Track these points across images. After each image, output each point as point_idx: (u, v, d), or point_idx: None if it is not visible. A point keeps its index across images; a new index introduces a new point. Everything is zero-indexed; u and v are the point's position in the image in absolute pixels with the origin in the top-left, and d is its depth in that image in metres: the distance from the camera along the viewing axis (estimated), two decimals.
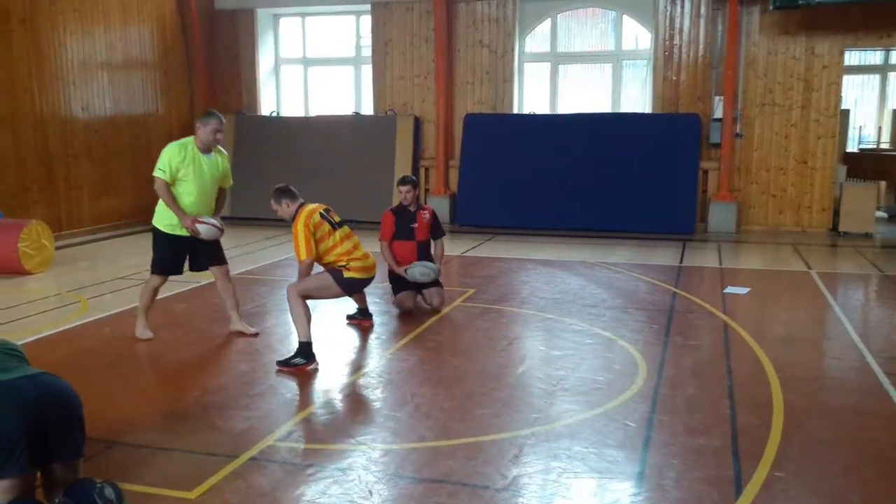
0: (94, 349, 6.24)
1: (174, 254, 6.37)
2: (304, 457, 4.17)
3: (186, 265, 6.54)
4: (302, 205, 6.00)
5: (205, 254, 6.53)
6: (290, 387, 5.35)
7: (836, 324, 7.19)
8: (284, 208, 5.99)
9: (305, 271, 5.88)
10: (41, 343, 6.38)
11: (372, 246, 6.89)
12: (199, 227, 6.21)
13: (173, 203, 6.18)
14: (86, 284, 8.74)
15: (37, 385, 3.35)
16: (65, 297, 8.20)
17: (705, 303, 7.79)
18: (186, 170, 6.19)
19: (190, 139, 6.31)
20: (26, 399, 3.26)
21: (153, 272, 6.38)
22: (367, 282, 6.24)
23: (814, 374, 5.74)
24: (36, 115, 11.81)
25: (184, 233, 6.26)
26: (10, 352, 3.63)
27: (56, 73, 12.15)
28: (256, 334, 6.61)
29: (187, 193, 6.24)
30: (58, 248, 10.35)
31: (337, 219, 6.14)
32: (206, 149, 6.30)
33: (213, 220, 6.32)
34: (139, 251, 6.42)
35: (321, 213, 6.00)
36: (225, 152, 6.59)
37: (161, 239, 6.35)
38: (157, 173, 6.15)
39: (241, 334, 6.62)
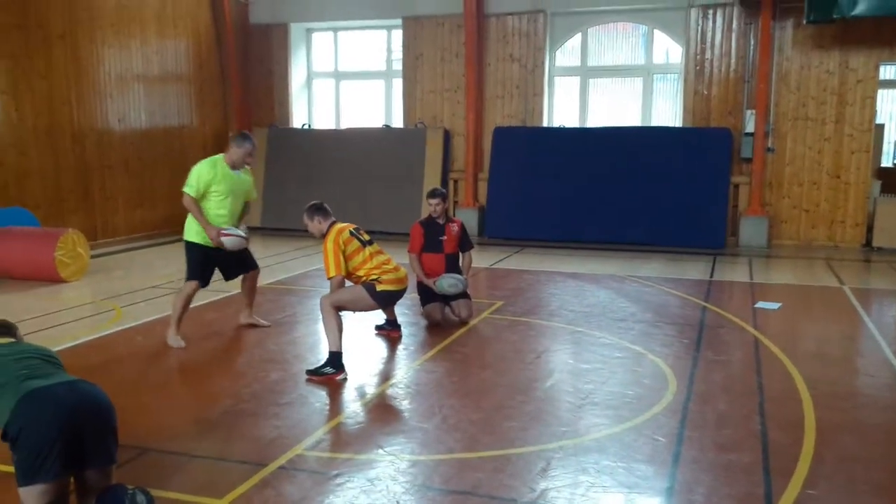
0: (128, 356, 6.33)
1: (205, 263, 6.64)
2: (333, 466, 4.19)
3: (217, 277, 6.76)
4: (333, 223, 6.09)
5: (236, 263, 6.88)
6: (319, 396, 5.39)
7: (869, 340, 7.09)
8: (316, 225, 6.09)
9: (336, 288, 5.95)
10: (76, 350, 6.49)
11: (400, 258, 6.92)
12: (224, 239, 6.47)
13: (201, 216, 6.47)
14: (120, 293, 8.88)
15: (73, 392, 3.41)
16: (99, 304, 8.33)
17: (736, 318, 7.72)
18: (218, 187, 6.50)
19: (220, 157, 6.61)
20: (63, 405, 3.32)
21: (189, 278, 6.58)
22: (400, 294, 6.26)
23: (846, 391, 5.67)
24: (74, 127, 12.05)
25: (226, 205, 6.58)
26: (48, 359, 3.71)
27: (94, 86, 12.40)
28: (269, 326, 7.21)
29: (219, 208, 6.54)
30: (93, 256, 10.52)
31: (366, 237, 6.21)
32: (235, 167, 6.62)
33: (238, 231, 6.58)
34: (172, 261, 6.56)
35: (351, 231, 6.08)
36: (249, 170, 6.92)
37: (193, 249, 6.62)
38: (186, 189, 6.45)
39: (254, 326, 7.15)
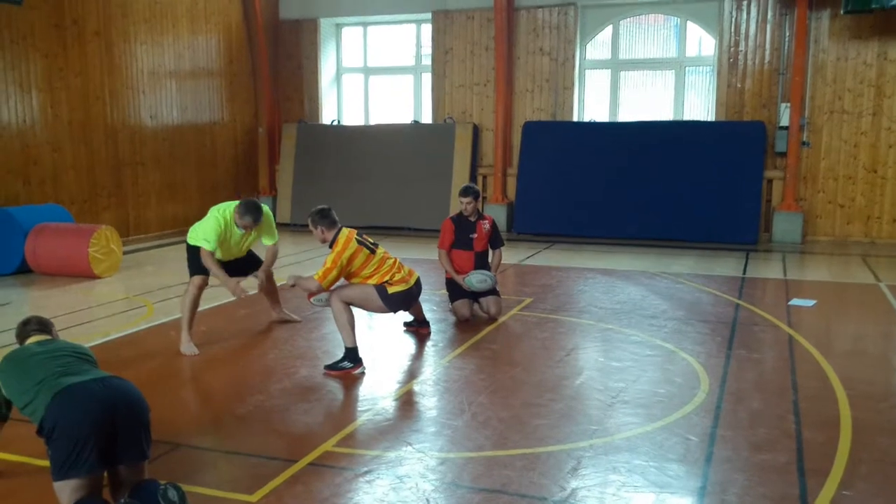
0: (160, 352, 6.38)
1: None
2: (362, 463, 4.19)
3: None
4: (339, 231, 5.87)
5: (243, 265, 6.76)
6: (348, 393, 5.40)
7: None
8: (319, 234, 5.89)
9: (308, 288, 5.88)
10: (108, 345, 6.57)
11: (429, 253, 6.90)
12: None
13: (217, 270, 6.33)
14: (152, 289, 8.97)
15: (107, 388, 3.45)
16: (132, 300, 8.43)
17: (770, 315, 7.61)
18: (228, 239, 6.45)
19: (231, 209, 6.43)
20: (96, 401, 3.36)
21: (193, 274, 6.45)
22: (411, 294, 6.14)
23: (883, 390, 5.55)
24: (107, 123, 12.20)
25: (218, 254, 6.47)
26: (82, 356, 3.75)
27: (127, 82, 12.54)
28: (300, 321, 7.28)
29: (234, 251, 6.53)
30: (125, 252, 10.65)
31: (370, 241, 6.09)
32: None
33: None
34: None
35: (357, 240, 5.90)
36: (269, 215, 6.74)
37: (198, 249, 6.46)
38: (203, 245, 6.29)
39: (285, 321, 7.25)
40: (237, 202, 6.49)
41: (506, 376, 5.75)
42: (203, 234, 6.35)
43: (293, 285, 5.99)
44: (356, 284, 5.98)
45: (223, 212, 6.41)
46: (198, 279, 6.47)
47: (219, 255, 6.48)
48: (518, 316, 7.60)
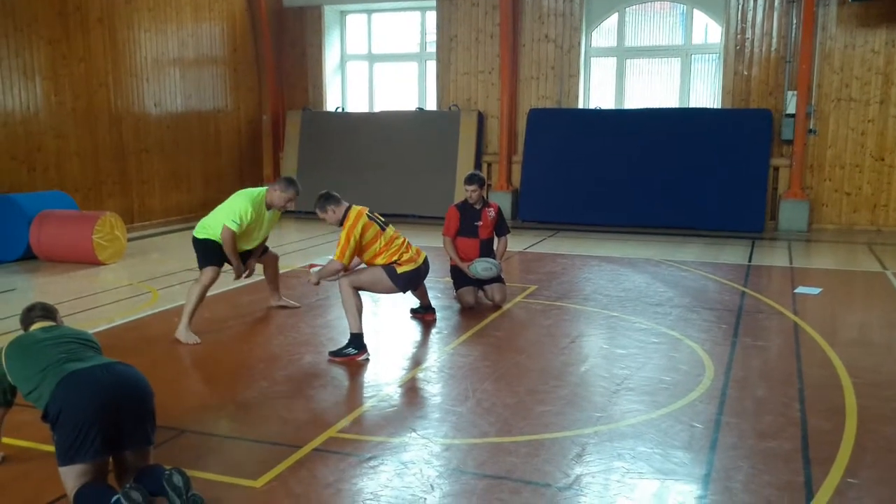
0: (164, 338, 6.37)
1: (222, 253, 6.54)
2: (366, 449, 4.19)
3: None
4: (349, 208, 5.95)
5: (251, 256, 6.84)
6: (352, 379, 5.40)
7: None
8: (331, 215, 5.94)
9: (332, 273, 5.88)
10: (113, 331, 6.58)
11: (435, 241, 6.89)
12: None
13: (234, 254, 6.43)
14: (156, 275, 8.97)
15: (111, 374, 3.46)
16: (136, 287, 8.43)
17: (775, 303, 7.59)
18: (252, 224, 6.48)
19: (262, 193, 6.51)
20: (101, 387, 3.37)
21: (206, 265, 6.43)
22: (419, 273, 6.18)
23: (889, 378, 5.53)
24: (111, 111, 12.19)
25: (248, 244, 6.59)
26: (86, 342, 3.75)
27: (130, 69, 12.51)
28: (298, 306, 7.29)
29: (246, 240, 6.57)
30: (130, 239, 10.65)
31: (381, 218, 6.13)
32: (270, 208, 6.56)
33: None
34: None
35: (368, 215, 5.95)
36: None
37: (209, 242, 6.49)
38: (230, 224, 6.32)
39: (284, 308, 7.27)
40: (262, 188, 6.63)
41: (510, 363, 5.74)
42: (231, 214, 6.34)
43: (318, 282, 6.02)
44: (365, 269, 6.00)
45: (253, 195, 6.48)
46: (211, 271, 6.44)
47: (250, 244, 6.60)
48: (523, 303, 7.59)
